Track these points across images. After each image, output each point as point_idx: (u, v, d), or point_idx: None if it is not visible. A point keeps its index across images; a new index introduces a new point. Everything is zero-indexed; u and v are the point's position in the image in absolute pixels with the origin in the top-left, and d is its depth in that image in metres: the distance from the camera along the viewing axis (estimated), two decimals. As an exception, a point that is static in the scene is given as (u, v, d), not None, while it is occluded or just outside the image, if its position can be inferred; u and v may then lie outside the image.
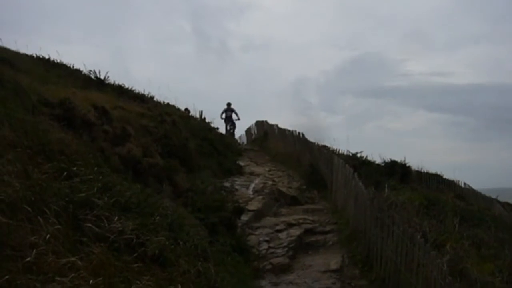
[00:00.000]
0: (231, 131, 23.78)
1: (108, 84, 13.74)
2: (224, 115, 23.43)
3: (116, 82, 14.38)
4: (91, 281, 3.23)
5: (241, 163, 15.93)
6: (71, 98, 6.95)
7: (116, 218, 4.17)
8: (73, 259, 3.40)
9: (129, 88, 14.85)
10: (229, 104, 23.61)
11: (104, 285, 3.33)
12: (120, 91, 13.70)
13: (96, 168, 5.13)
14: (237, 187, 12.31)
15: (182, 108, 18.32)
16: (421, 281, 6.63)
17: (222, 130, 22.72)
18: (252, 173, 14.86)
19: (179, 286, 3.97)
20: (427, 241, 7.56)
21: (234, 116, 23.89)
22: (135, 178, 6.14)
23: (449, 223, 11.03)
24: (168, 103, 17.08)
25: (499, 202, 23.08)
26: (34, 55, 13.31)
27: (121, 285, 3.52)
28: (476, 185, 22.86)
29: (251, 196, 11.72)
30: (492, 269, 8.76)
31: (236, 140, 23.91)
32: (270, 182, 13.48)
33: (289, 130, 18.83)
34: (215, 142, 15.52)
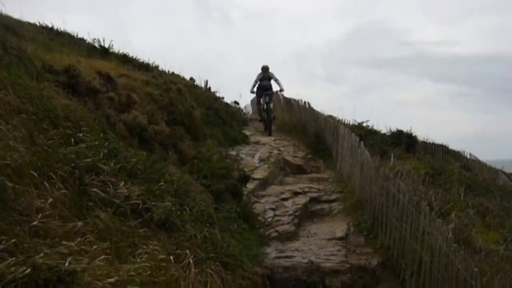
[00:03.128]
0: (267, 108, 16.11)
1: (113, 53, 13.63)
2: (256, 86, 16.12)
3: (121, 51, 14.30)
4: (97, 246, 3.25)
5: (247, 133, 15.92)
6: (76, 65, 6.89)
7: (122, 183, 4.18)
8: (79, 223, 3.41)
9: (134, 57, 14.73)
10: (265, 69, 16.04)
11: (111, 250, 3.35)
12: (124, 59, 13.59)
13: (101, 135, 5.12)
14: (242, 156, 12.32)
15: (187, 77, 18.22)
16: (426, 249, 6.65)
17: (228, 99, 19.76)
18: (257, 143, 14.85)
19: (186, 251, 4.00)
20: (432, 210, 7.57)
21: (275, 87, 16.49)
22: (141, 145, 6.14)
23: (454, 192, 11.03)
24: (173, 72, 16.97)
25: (504, 173, 23.17)
26: (38, 23, 13.20)
27: (127, 249, 3.55)
28: (482, 156, 22.90)
29: (257, 165, 11.73)
30: (497, 238, 8.78)
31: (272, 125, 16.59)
32: (275, 151, 13.46)
33: (295, 100, 18.72)
34: (221, 111, 15.49)
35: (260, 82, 16.04)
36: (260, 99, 16.36)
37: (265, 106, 16.14)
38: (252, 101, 25.57)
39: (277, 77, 16.24)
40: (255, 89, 16.22)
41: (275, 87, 16.44)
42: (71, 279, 2.62)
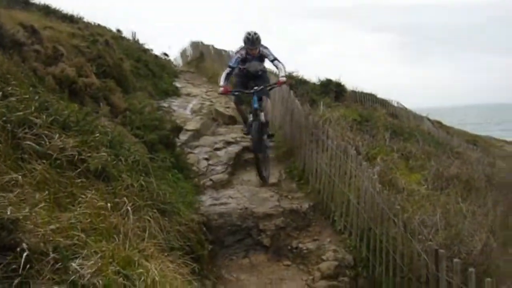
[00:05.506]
0: (257, 117, 8.24)
1: (34, 4, 13.17)
2: (237, 68, 8.74)
3: (42, 2, 13.82)
4: (37, 196, 3.28)
5: (178, 85, 15.85)
6: (-3, 17, 6.64)
7: (57, 136, 4.16)
8: (15, 175, 3.41)
9: (57, 8, 14.25)
10: (253, 41, 8.43)
11: (50, 200, 3.39)
12: (47, 11, 13.16)
13: (31, 88, 5.03)
14: (174, 108, 12.32)
15: (114, 29, 17.83)
16: (353, 191, 7.05)
17: (158, 51, 19.69)
18: (189, 94, 14.86)
19: (124, 199, 4.09)
20: (359, 154, 7.98)
21: (270, 69, 10.49)
22: (71, 98, 6.05)
23: (380, 137, 11.59)
24: (99, 24, 16.55)
25: (429, 120, 24.59)
26: None
27: (66, 199, 3.60)
28: (415, 105, 24.15)
29: (189, 116, 11.80)
30: (419, 179, 9.38)
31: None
32: (207, 103, 13.55)
33: (225, 51, 18.74)
34: (150, 64, 15.32)
35: (243, 64, 8.66)
36: (240, 98, 8.92)
37: (255, 115, 8.30)
38: (182, 54, 25.24)
39: (275, 54, 8.64)
40: (233, 72, 8.68)
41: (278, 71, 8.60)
42: (14, 226, 2.68)
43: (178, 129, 8.48)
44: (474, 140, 23.61)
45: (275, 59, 8.59)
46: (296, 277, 6.44)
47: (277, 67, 8.60)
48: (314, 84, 18.03)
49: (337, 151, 7.61)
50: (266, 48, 8.66)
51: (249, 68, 8.67)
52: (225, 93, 8.55)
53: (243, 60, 8.64)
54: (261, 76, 8.81)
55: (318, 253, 6.84)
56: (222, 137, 10.72)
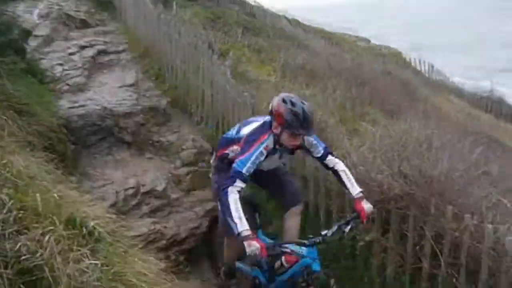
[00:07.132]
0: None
1: None
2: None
3: None
4: None
5: (18, -10, 14.86)
6: None
7: None
8: None
9: None
10: (308, 120, 3.89)
11: None
12: None
13: None
14: (19, 13, 11.68)
15: None
16: (207, 84, 7.53)
17: None
18: (33, -2, 14.08)
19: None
20: (213, 51, 8.40)
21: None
22: None
23: (233, 34, 12.05)
24: None
25: (287, 18, 25.65)
26: None
27: None
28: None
29: (37, 22, 11.30)
30: (269, 70, 10.05)
31: None
32: (55, 7, 12.93)
33: None
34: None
35: (268, 156, 4.17)
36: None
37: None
38: None
39: (321, 142, 4.40)
40: (243, 227, 3.68)
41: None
42: None
43: (26, 34, 8.24)
44: (329, 37, 24.97)
45: (328, 152, 4.40)
46: (159, 167, 6.89)
47: (337, 173, 4.34)
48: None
49: (189, 48, 7.94)
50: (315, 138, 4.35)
51: (263, 167, 4.29)
52: (263, 253, 3.67)
53: (271, 151, 4.21)
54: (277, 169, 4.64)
55: (178, 143, 7.31)
56: (75, 41, 10.50)
